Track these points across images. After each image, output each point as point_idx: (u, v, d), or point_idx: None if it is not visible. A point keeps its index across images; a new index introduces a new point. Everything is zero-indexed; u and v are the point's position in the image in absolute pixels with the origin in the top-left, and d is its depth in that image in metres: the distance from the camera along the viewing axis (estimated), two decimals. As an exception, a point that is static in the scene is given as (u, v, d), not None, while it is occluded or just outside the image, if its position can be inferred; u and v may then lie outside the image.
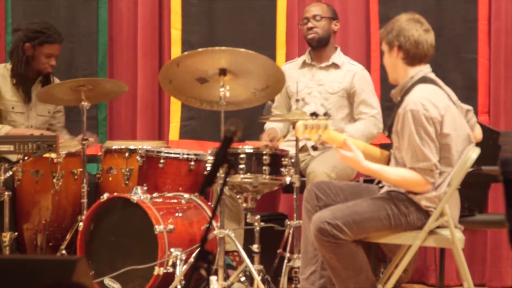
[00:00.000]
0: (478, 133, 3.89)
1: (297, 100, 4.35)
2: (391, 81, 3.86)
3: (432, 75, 3.77)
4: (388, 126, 3.82)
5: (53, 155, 4.65)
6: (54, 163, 4.76)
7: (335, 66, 4.96)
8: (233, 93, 4.42)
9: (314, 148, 3.86)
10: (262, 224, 4.38)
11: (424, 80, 3.71)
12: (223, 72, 4.31)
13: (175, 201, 4.63)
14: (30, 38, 5.02)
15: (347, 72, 4.93)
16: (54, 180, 4.75)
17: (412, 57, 3.72)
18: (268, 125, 5.06)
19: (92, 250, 4.49)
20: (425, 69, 3.75)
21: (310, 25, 4.93)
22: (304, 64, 5.03)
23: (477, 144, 3.74)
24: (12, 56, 5.10)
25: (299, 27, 5.04)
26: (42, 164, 4.73)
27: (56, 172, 4.77)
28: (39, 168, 4.77)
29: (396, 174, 3.65)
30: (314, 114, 3.58)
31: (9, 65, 5.12)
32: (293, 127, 4.24)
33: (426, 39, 3.72)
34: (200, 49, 4.35)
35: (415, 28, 3.71)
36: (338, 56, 4.98)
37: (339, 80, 4.93)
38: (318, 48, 4.96)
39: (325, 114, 3.62)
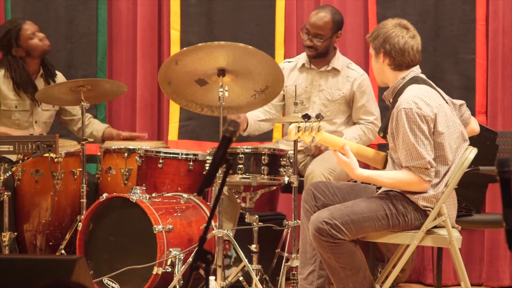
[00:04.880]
0: (475, 126, 3.89)
1: (296, 103, 4.33)
2: (378, 83, 3.88)
3: (423, 76, 3.78)
4: (382, 127, 3.83)
5: (52, 155, 4.66)
6: (54, 163, 4.77)
7: (334, 71, 4.91)
8: (233, 96, 4.41)
9: (307, 150, 3.83)
10: (261, 224, 4.39)
11: (415, 80, 3.71)
12: (222, 72, 4.31)
13: (174, 201, 4.64)
14: None
15: (347, 78, 4.87)
16: (54, 180, 4.77)
17: (399, 64, 3.72)
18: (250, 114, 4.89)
19: (91, 249, 4.50)
20: (415, 70, 3.75)
21: (308, 43, 4.80)
22: (303, 67, 4.97)
23: (475, 145, 3.74)
24: None
25: (299, 33, 4.98)
26: (42, 164, 4.74)
27: (56, 172, 4.79)
28: (39, 168, 4.77)
29: (389, 177, 3.65)
30: (306, 116, 3.57)
31: None
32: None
33: (412, 46, 3.70)
34: (199, 44, 4.34)
35: (401, 35, 3.68)
36: (337, 60, 4.91)
37: (339, 87, 4.87)
38: (316, 58, 4.93)
39: (318, 116, 3.61)
